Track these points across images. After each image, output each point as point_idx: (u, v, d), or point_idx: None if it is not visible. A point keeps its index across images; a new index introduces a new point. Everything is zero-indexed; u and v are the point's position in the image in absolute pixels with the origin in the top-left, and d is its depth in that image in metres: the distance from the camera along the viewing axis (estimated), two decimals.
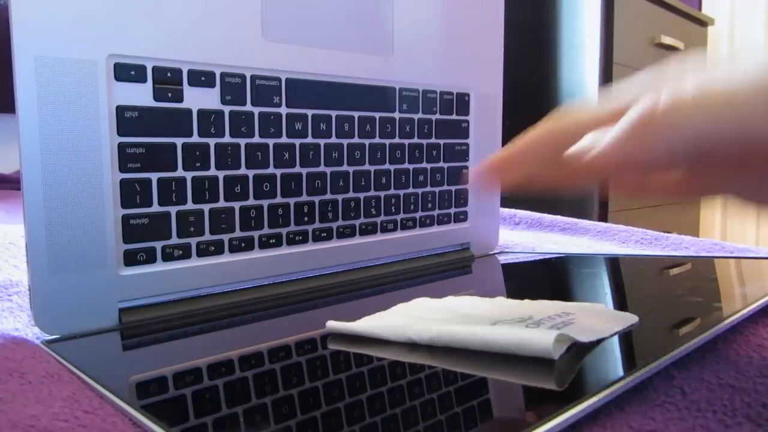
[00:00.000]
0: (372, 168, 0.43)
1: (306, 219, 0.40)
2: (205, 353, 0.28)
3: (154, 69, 0.33)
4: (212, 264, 0.36)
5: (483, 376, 0.24)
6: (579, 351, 0.25)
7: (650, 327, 0.29)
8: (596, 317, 0.29)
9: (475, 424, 0.20)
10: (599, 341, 0.26)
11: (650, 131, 0.21)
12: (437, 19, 0.47)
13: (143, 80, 0.32)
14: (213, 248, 0.36)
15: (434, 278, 0.45)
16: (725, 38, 2.17)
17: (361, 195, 0.43)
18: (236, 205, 0.36)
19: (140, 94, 0.32)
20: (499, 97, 0.53)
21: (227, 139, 0.36)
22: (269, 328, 0.34)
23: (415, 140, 0.46)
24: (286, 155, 0.38)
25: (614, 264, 0.48)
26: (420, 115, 0.46)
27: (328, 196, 0.41)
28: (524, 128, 0.26)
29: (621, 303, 0.37)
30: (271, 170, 0.38)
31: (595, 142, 0.23)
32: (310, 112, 0.39)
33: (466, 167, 0.51)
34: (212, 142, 0.35)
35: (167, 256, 0.34)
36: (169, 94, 0.33)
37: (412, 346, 0.27)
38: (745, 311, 0.30)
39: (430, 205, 0.48)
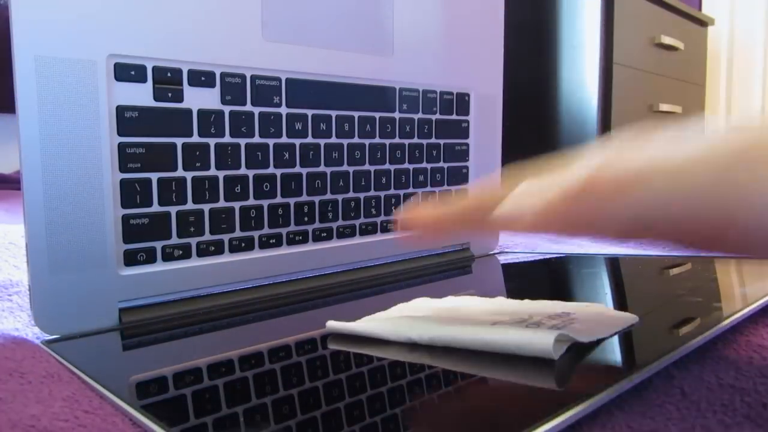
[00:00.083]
0: (372, 168, 0.43)
1: (306, 219, 0.40)
2: (205, 353, 0.28)
3: (154, 69, 0.33)
4: (212, 264, 0.36)
5: (483, 376, 0.24)
6: (579, 351, 0.25)
7: (650, 327, 0.29)
8: (596, 317, 0.29)
9: (475, 424, 0.20)
10: (599, 341, 0.26)
11: (591, 202, 0.21)
12: (437, 19, 0.46)
13: (143, 80, 0.32)
14: (213, 248, 0.36)
15: (434, 278, 0.45)
16: (725, 38, 2.17)
17: (361, 195, 0.43)
18: (236, 205, 0.36)
19: (140, 94, 0.32)
20: (499, 97, 0.53)
21: (227, 139, 0.36)
22: (269, 328, 0.34)
23: (415, 140, 0.46)
24: (286, 155, 0.38)
25: (614, 264, 0.48)
26: (420, 115, 0.46)
27: (328, 196, 0.41)
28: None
29: (621, 303, 0.37)
30: (271, 170, 0.38)
31: (524, 203, 0.23)
32: (310, 112, 0.39)
33: (466, 167, 0.51)
34: (212, 142, 0.35)
35: (167, 256, 0.34)
36: (169, 94, 0.33)
37: (412, 346, 0.27)
38: (745, 311, 0.30)
39: None
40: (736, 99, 2.17)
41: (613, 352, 0.26)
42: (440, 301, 0.34)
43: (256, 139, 0.37)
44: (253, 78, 0.36)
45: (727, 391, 0.23)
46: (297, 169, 0.39)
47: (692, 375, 0.25)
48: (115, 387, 0.23)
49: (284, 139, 0.38)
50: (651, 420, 0.21)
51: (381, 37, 0.43)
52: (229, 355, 0.27)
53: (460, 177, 0.50)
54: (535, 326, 0.26)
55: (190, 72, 0.34)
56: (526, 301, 0.32)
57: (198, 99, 0.34)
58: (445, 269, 0.47)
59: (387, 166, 0.44)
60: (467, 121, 0.50)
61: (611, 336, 0.27)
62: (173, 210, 0.34)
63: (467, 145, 0.50)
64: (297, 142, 0.39)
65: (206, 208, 0.35)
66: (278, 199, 0.38)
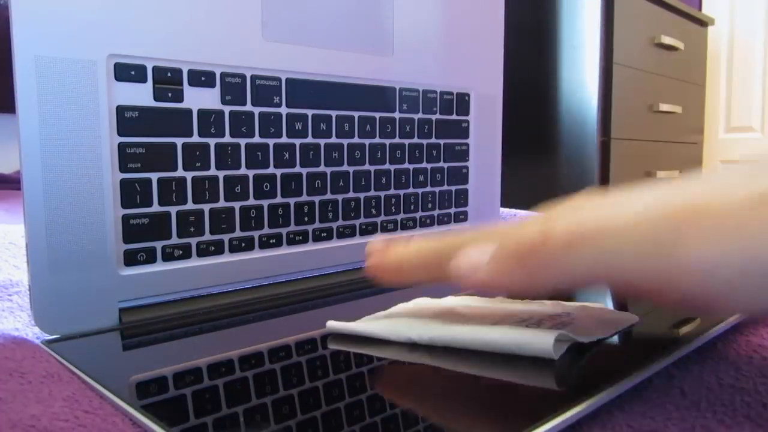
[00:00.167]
0: (372, 168, 0.43)
1: (306, 219, 0.40)
2: (205, 353, 0.28)
3: (154, 69, 0.33)
4: (212, 264, 0.36)
5: (483, 376, 0.24)
6: (579, 351, 0.25)
7: (650, 327, 0.29)
8: (596, 317, 0.29)
9: (476, 424, 0.20)
10: (599, 341, 0.26)
11: (542, 256, 0.21)
12: (437, 19, 0.47)
13: (143, 80, 0.32)
14: (213, 248, 0.36)
15: None
16: (725, 38, 2.17)
17: (361, 195, 0.43)
18: (236, 205, 0.36)
19: (140, 94, 0.32)
20: (499, 97, 0.53)
21: (227, 139, 0.36)
22: (269, 328, 0.34)
23: (415, 140, 0.46)
24: (286, 155, 0.38)
25: None
26: (420, 115, 0.46)
27: (328, 196, 0.41)
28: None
29: (621, 303, 0.37)
30: (271, 170, 0.38)
31: (480, 257, 0.23)
32: (310, 112, 0.39)
33: (466, 167, 0.51)
34: (212, 142, 0.35)
35: (167, 256, 0.34)
36: (170, 94, 0.33)
37: (412, 346, 0.27)
38: None
39: (430, 205, 0.48)
40: (736, 99, 2.17)
41: (613, 352, 0.26)
42: (440, 301, 0.34)
43: (256, 139, 0.37)
44: (253, 78, 0.36)
45: (727, 391, 0.23)
46: (297, 169, 0.39)
47: (692, 375, 0.25)
48: (115, 387, 0.23)
49: (284, 139, 0.38)
50: (651, 420, 0.21)
51: (381, 37, 0.43)
52: (229, 355, 0.27)
53: (460, 177, 0.50)
54: (535, 326, 0.26)
55: (190, 72, 0.34)
56: (526, 301, 0.32)
57: (198, 99, 0.34)
58: None
59: (387, 166, 0.44)
60: (467, 121, 0.50)
61: (611, 336, 0.27)
62: (173, 210, 0.34)
63: (467, 145, 0.50)
64: (297, 142, 0.39)
65: (206, 208, 0.35)
66: (278, 199, 0.38)
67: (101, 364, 0.28)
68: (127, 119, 0.32)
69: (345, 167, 0.42)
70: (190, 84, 0.34)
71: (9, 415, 0.21)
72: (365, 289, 0.41)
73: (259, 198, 0.37)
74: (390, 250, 0.28)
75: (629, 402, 0.22)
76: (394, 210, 0.45)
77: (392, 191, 0.45)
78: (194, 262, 0.35)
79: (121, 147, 0.32)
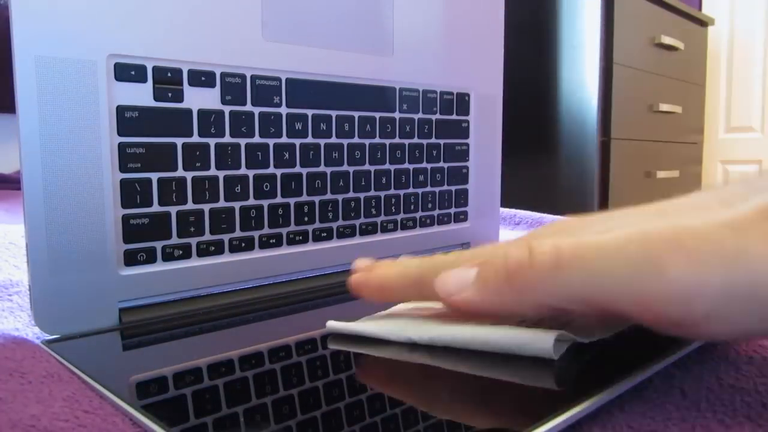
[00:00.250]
0: (372, 168, 0.43)
1: (306, 219, 0.40)
2: (205, 353, 0.28)
3: (154, 69, 0.33)
4: (212, 264, 0.36)
5: (483, 376, 0.24)
6: (579, 351, 0.25)
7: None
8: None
9: (476, 425, 0.20)
10: (599, 341, 0.26)
11: (523, 281, 0.21)
12: (437, 19, 0.47)
13: (143, 80, 0.32)
14: (213, 248, 0.36)
15: None
16: (725, 38, 2.17)
17: (361, 195, 0.43)
18: (236, 205, 0.36)
19: (140, 94, 0.32)
20: (499, 97, 0.53)
21: (227, 139, 0.36)
22: (269, 328, 0.34)
23: (415, 140, 0.46)
24: (286, 155, 0.38)
25: None
26: (420, 115, 0.46)
27: (328, 196, 0.41)
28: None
29: None
30: (271, 170, 0.38)
31: (466, 276, 0.23)
32: (310, 112, 0.39)
33: (466, 167, 0.51)
34: (212, 142, 0.35)
35: (167, 256, 0.34)
36: (170, 94, 0.33)
37: (412, 346, 0.27)
38: None
39: (430, 205, 0.48)
40: (736, 99, 2.17)
41: (613, 352, 0.26)
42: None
43: (256, 139, 0.37)
44: (253, 78, 0.36)
45: (727, 391, 0.23)
46: (297, 169, 0.39)
47: (692, 375, 0.25)
48: (115, 387, 0.23)
49: (284, 139, 0.38)
50: (651, 420, 0.21)
51: (381, 37, 0.43)
52: (229, 355, 0.27)
53: (460, 177, 0.50)
54: (535, 326, 0.26)
55: (190, 72, 0.34)
56: None
57: (198, 99, 0.34)
58: None
59: (387, 166, 0.44)
60: (467, 121, 0.50)
61: (611, 336, 0.27)
62: (173, 210, 0.34)
63: (467, 145, 0.50)
64: (297, 142, 0.39)
65: (206, 208, 0.35)
66: (278, 199, 0.38)
67: (101, 364, 0.28)
68: (127, 119, 0.32)
69: (345, 167, 0.42)
70: (190, 84, 0.34)
71: (9, 415, 0.21)
72: None
73: (259, 198, 0.37)
74: (375, 267, 0.28)
75: (629, 402, 0.22)
76: (394, 210, 0.45)
77: (392, 191, 0.45)
78: (194, 262, 0.35)
79: (121, 147, 0.32)
